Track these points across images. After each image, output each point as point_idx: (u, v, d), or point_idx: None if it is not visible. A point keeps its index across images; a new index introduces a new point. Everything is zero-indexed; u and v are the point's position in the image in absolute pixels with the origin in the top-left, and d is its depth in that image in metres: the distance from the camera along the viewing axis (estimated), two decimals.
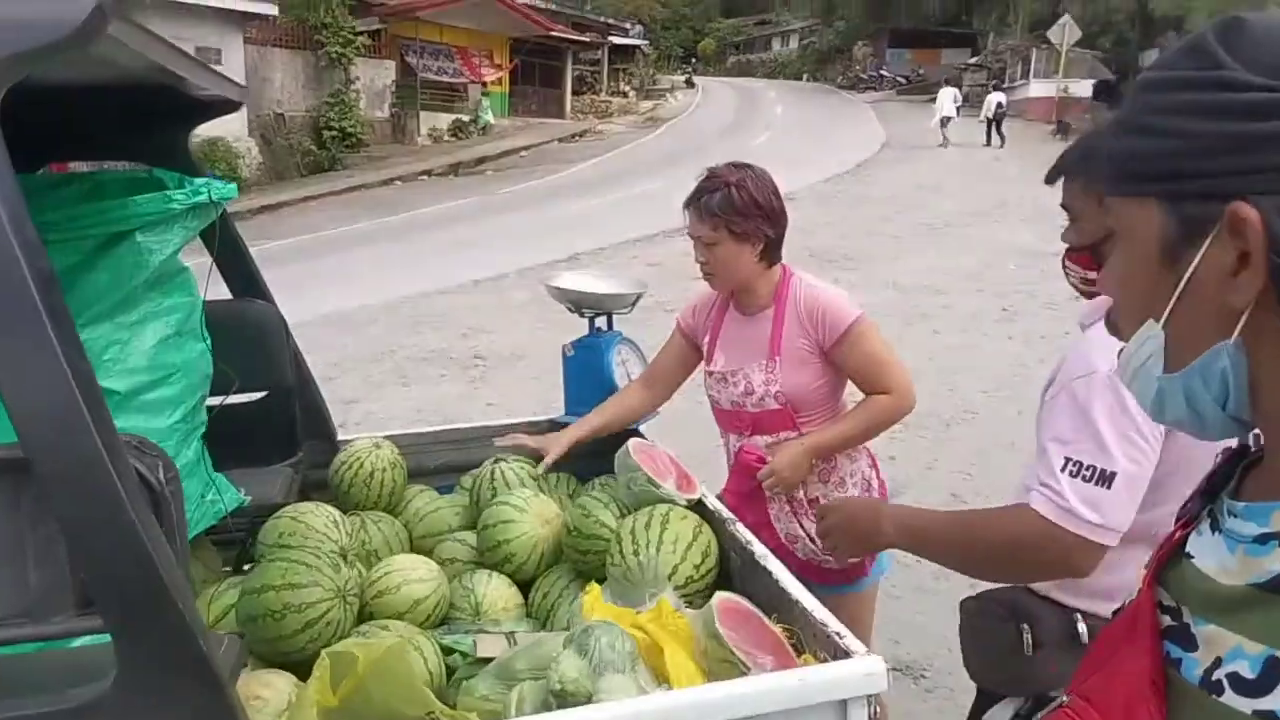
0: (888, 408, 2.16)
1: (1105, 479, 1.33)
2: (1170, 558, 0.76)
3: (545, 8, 32.03)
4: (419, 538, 2.19)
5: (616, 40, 39.22)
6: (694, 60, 59.04)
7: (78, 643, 1.21)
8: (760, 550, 1.69)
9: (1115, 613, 0.83)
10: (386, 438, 2.33)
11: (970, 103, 30.84)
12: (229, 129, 17.42)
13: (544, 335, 7.90)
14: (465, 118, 25.99)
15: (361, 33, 22.68)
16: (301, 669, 1.58)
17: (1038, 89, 28.83)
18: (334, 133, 21.65)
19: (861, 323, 2.13)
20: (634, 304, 2.42)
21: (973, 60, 39.20)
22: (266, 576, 1.64)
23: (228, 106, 2.03)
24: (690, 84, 45.30)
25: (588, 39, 35.00)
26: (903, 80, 41.92)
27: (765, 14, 64.55)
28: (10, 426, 1.04)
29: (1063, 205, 1.59)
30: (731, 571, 1.79)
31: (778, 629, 1.48)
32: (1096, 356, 1.39)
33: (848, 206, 14.38)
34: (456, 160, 22.27)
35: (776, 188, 2.17)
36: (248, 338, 2.22)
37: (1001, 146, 22.55)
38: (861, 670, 1.30)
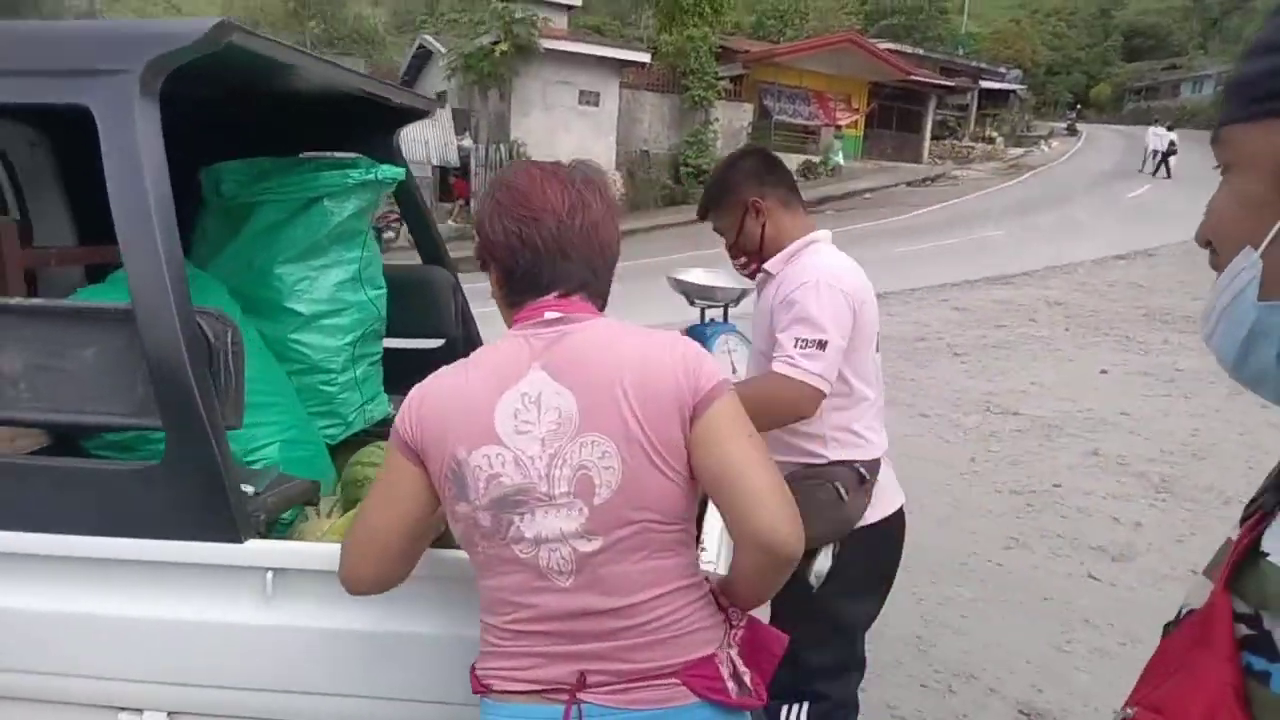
0: None
1: (821, 345, 1.89)
2: (1244, 561, 0.71)
3: (911, 52, 31.65)
4: None
5: (988, 85, 37.59)
6: (1079, 106, 54.56)
7: None
8: None
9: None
10: None
11: None
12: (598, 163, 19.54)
13: None
14: (815, 159, 26.52)
15: (723, 78, 24.16)
16: None
17: None
18: (689, 169, 23.24)
19: None
20: (739, 299, 2.65)
21: None
22: (360, 454, 2.16)
23: (421, 113, 2.65)
24: (1073, 131, 42.00)
25: (953, 84, 33.97)
26: None
27: (1176, 57, 57.85)
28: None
29: (719, 229, 2.21)
30: None
31: None
32: (798, 272, 1.99)
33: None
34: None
35: None
36: (428, 296, 2.81)
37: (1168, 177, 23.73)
38: None
